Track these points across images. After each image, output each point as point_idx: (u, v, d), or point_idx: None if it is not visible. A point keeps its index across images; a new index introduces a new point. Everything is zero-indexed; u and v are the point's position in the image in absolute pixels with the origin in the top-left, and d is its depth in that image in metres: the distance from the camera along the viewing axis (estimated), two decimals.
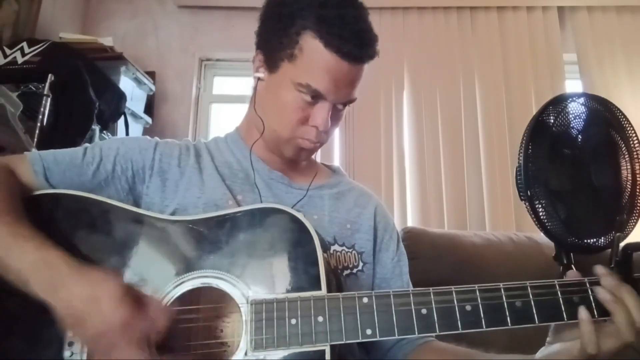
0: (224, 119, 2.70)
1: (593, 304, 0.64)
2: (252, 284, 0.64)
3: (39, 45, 1.83)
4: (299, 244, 0.66)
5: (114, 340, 0.57)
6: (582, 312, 0.63)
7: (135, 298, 0.59)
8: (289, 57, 0.78)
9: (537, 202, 0.87)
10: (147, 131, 2.37)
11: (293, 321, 0.61)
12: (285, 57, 0.79)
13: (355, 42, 0.76)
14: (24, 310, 0.64)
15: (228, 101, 2.72)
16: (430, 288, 0.63)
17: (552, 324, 0.67)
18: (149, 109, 2.43)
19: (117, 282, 0.60)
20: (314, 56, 0.76)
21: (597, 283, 0.66)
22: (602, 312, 0.64)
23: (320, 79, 0.77)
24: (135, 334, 0.57)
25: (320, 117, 0.80)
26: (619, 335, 0.62)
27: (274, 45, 0.81)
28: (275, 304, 0.62)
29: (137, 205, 0.81)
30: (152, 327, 0.59)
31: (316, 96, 0.79)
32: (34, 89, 1.78)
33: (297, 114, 0.80)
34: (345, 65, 0.77)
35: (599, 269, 0.66)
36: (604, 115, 0.94)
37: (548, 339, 0.68)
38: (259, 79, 0.86)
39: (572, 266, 0.93)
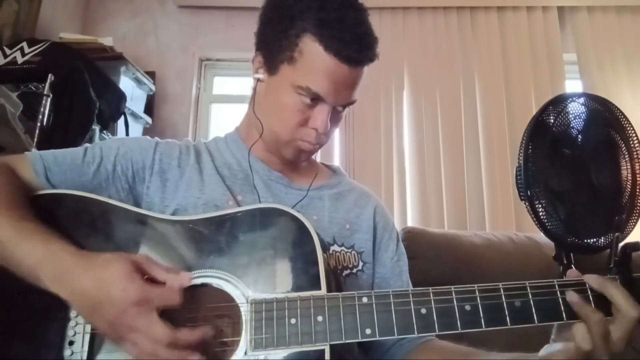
0: (224, 119, 2.70)
1: (592, 304, 0.63)
2: (252, 283, 0.64)
3: (39, 45, 1.83)
4: (299, 244, 0.66)
5: (130, 322, 0.56)
6: (572, 295, 0.62)
7: (144, 272, 0.59)
8: (289, 59, 0.78)
9: (537, 202, 0.87)
10: (147, 131, 2.37)
11: (293, 321, 0.61)
12: (285, 59, 0.79)
13: (355, 45, 0.76)
14: (25, 310, 0.64)
15: (228, 101, 2.72)
16: (430, 288, 0.63)
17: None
18: (149, 109, 2.43)
19: (121, 261, 0.59)
20: (314, 59, 0.76)
21: None
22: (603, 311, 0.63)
23: (319, 82, 0.77)
24: (151, 312, 0.57)
25: (319, 120, 0.80)
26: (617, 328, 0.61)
27: (273, 48, 0.80)
28: (275, 303, 0.62)
29: (138, 205, 0.81)
30: (166, 300, 0.58)
31: (316, 99, 0.79)
32: (34, 89, 1.78)
33: (297, 116, 0.80)
34: (345, 68, 0.76)
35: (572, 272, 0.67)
36: (604, 115, 0.94)
37: (552, 336, 0.68)
38: (258, 80, 0.86)
39: (572, 266, 0.93)
